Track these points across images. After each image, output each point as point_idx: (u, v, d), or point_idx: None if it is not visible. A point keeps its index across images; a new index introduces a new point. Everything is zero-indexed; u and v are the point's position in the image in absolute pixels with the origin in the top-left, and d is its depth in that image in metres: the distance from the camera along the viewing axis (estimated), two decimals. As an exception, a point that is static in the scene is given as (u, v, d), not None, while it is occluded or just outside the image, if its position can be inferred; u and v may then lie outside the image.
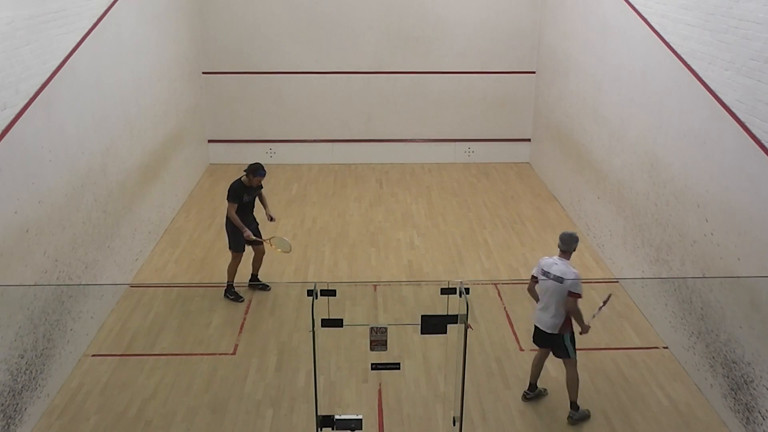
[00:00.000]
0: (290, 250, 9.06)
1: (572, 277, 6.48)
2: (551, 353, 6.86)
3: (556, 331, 6.64)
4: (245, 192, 8.72)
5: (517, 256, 10.15)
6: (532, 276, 6.80)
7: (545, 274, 6.60)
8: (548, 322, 6.65)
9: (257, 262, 9.13)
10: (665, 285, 8.00)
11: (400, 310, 8.62)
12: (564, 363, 6.78)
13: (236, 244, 8.83)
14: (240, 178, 8.77)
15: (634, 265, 8.88)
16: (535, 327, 6.83)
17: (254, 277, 9.20)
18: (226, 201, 8.68)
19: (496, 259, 10.10)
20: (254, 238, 8.78)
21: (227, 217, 8.72)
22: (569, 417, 6.75)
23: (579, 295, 6.50)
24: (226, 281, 8.96)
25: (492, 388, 7.22)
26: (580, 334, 6.74)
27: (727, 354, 6.68)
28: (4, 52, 6.26)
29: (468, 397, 6.57)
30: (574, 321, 6.63)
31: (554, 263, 6.60)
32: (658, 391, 7.18)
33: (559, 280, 6.49)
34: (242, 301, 8.83)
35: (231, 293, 8.90)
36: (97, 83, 8.39)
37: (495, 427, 6.68)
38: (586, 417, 6.79)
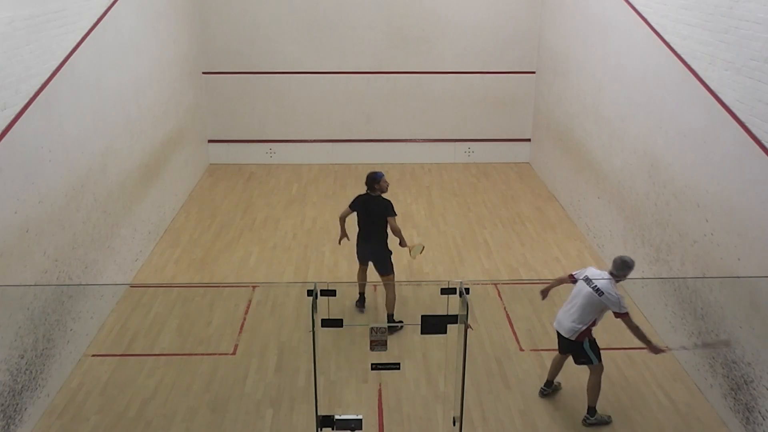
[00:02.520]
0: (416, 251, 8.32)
1: (614, 296, 6.35)
2: (573, 359, 6.79)
3: (574, 338, 6.58)
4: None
5: (517, 256, 10.15)
6: (571, 275, 6.72)
7: (587, 282, 6.50)
8: (567, 326, 6.59)
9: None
10: (665, 285, 8.00)
11: (400, 310, 8.62)
12: (588, 368, 6.73)
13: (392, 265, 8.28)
14: (381, 194, 8.15)
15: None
16: (557, 332, 6.79)
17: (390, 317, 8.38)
18: (391, 216, 8.05)
19: (496, 259, 10.10)
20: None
21: (387, 238, 8.12)
22: (584, 420, 6.71)
23: (626, 314, 6.38)
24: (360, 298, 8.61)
25: (492, 388, 7.22)
26: (654, 352, 6.59)
27: (727, 354, 6.68)
28: (4, 52, 6.26)
29: (468, 397, 6.57)
30: (639, 340, 6.48)
31: (602, 276, 6.50)
32: (658, 391, 7.18)
33: (599, 293, 6.40)
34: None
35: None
36: (97, 83, 8.39)
37: (495, 427, 6.68)
38: (604, 422, 6.72)
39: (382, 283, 8.41)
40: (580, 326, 6.53)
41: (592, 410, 6.70)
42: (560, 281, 6.94)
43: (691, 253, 7.42)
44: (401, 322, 8.26)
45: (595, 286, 6.44)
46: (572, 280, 6.71)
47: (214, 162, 14.20)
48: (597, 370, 6.67)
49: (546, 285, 7.01)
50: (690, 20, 7.53)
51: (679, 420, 6.79)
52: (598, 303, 6.43)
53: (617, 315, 6.39)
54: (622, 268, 6.48)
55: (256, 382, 7.29)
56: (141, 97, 9.95)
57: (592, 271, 6.63)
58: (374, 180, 8.13)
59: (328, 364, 7.53)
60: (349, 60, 13.73)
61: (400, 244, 8.21)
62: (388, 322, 8.20)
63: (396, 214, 8.11)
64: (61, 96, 7.40)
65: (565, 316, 6.64)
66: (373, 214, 8.10)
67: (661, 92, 8.20)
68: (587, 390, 6.72)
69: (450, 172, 13.79)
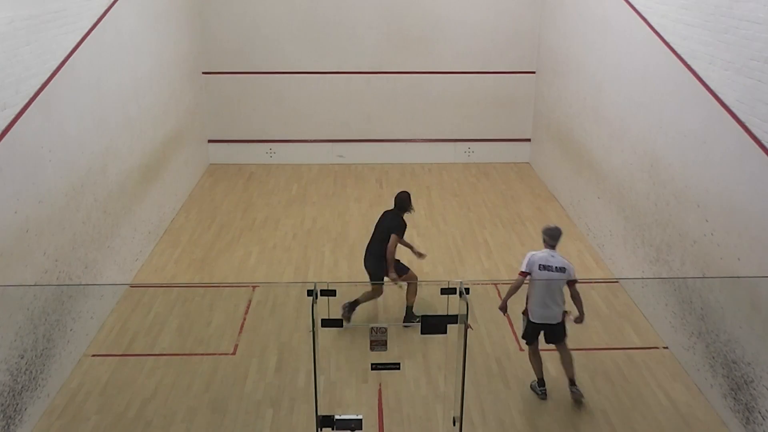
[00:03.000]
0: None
1: (572, 267, 6.79)
2: (556, 340, 7.01)
3: (560, 320, 6.87)
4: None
5: (517, 256, 10.13)
6: (523, 272, 6.86)
7: (546, 268, 6.74)
8: (555, 313, 6.83)
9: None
10: (665, 285, 8.00)
11: (400, 310, 8.62)
12: (558, 347, 6.98)
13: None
14: (400, 214, 8.10)
15: (634, 265, 8.88)
16: (537, 324, 6.92)
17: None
18: (394, 233, 7.92)
19: (496, 259, 10.10)
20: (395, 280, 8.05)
21: (387, 251, 7.94)
22: (574, 392, 6.91)
23: (577, 281, 6.83)
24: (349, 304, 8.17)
25: (492, 388, 7.22)
26: (577, 321, 6.91)
27: (727, 354, 6.68)
28: (4, 52, 6.26)
29: (468, 397, 6.57)
30: (576, 308, 6.85)
31: (551, 256, 6.80)
32: (658, 391, 7.18)
33: (563, 270, 6.72)
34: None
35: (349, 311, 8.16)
36: (97, 83, 8.39)
37: (495, 427, 6.68)
38: (580, 394, 6.97)
39: (379, 283, 8.36)
40: (563, 306, 6.85)
41: (573, 380, 6.95)
42: (516, 288, 6.98)
43: (691, 253, 7.42)
44: (419, 318, 8.20)
45: (557, 267, 6.74)
46: (526, 275, 6.88)
47: (214, 162, 14.20)
48: (566, 343, 6.96)
49: (503, 301, 7.10)
50: (690, 20, 7.53)
51: (679, 420, 6.79)
52: (565, 279, 6.74)
53: (573, 282, 6.75)
54: (558, 237, 6.87)
55: (256, 382, 7.29)
56: (141, 97, 9.94)
57: (540, 256, 6.83)
58: (408, 202, 8.12)
59: (328, 364, 7.53)
60: (349, 60, 13.73)
61: (386, 272, 8.01)
62: (406, 314, 8.28)
63: (400, 235, 7.99)
64: (61, 96, 7.40)
65: (550, 308, 6.82)
66: (380, 226, 8.16)
67: (661, 92, 8.19)
68: (565, 365, 6.95)
69: (450, 172, 13.78)
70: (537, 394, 7.08)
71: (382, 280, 8.14)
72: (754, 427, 6.24)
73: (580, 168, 11.08)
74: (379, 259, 8.05)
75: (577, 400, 6.92)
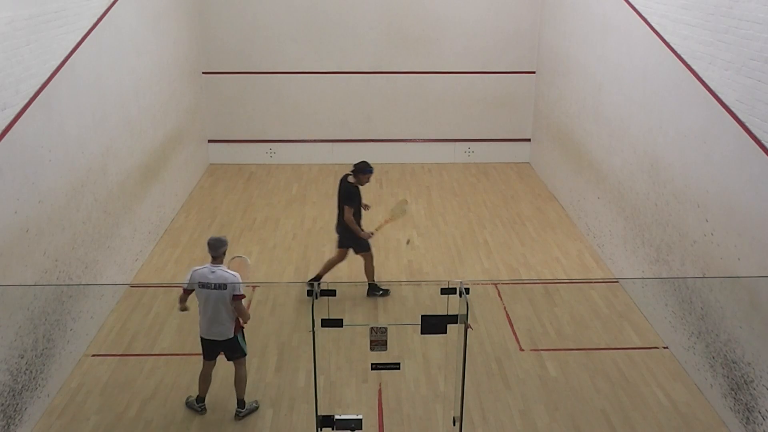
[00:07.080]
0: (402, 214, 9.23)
1: (236, 278, 6.41)
2: (225, 357, 6.75)
3: (231, 335, 6.57)
4: (358, 193, 8.72)
5: (517, 256, 10.15)
6: (184, 290, 6.56)
7: (205, 286, 6.38)
8: (225, 329, 6.51)
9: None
10: (665, 285, 8.00)
11: (400, 310, 8.62)
12: (236, 363, 6.74)
13: (363, 245, 8.77)
14: (347, 178, 8.67)
15: (634, 265, 8.88)
16: (209, 341, 6.61)
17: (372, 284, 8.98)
18: (345, 205, 8.58)
19: (496, 259, 10.10)
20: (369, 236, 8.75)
21: (344, 220, 8.61)
22: (237, 414, 6.74)
23: (243, 296, 6.46)
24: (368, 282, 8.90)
25: (492, 388, 7.23)
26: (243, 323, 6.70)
27: (727, 354, 6.68)
28: (4, 52, 6.27)
29: (468, 397, 6.58)
30: (242, 321, 6.64)
31: (211, 272, 6.39)
32: (658, 391, 7.19)
33: (223, 287, 6.35)
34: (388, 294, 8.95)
35: (377, 290, 8.94)
36: (97, 83, 8.39)
37: (495, 427, 6.68)
38: (254, 409, 6.84)
39: (379, 283, 8.37)
40: (231, 324, 6.54)
41: (242, 402, 6.77)
42: (180, 302, 6.66)
43: (691, 253, 7.42)
44: (382, 291, 8.92)
45: (216, 284, 6.35)
46: (189, 293, 6.57)
47: (214, 162, 14.20)
48: (244, 362, 6.76)
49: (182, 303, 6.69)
50: (690, 20, 7.53)
51: (679, 420, 6.79)
52: (228, 295, 6.37)
53: (236, 297, 6.41)
54: (219, 248, 6.43)
55: (256, 382, 7.29)
56: (141, 97, 9.94)
57: (199, 273, 6.43)
58: (361, 169, 8.68)
59: (328, 364, 7.53)
60: (349, 60, 13.73)
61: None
62: (369, 288, 8.94)
63: (351, 205, 8.57)
64: (61, 96, 7.40)
65: (216, 323, 6.48)
66: (338, 195, 8.82)
67: (661, 92, 8.20)
68: (237, 384, 6.74)
69: (450, 172, 13.78)
70: (196, 410, 6.83)
71: (347, 246, 8.78)
72: (754, 427, 6.24)
73: (580, 168, 11.08)
74: (344, 227, 8.67)
75: (238, 418, 6.73)
